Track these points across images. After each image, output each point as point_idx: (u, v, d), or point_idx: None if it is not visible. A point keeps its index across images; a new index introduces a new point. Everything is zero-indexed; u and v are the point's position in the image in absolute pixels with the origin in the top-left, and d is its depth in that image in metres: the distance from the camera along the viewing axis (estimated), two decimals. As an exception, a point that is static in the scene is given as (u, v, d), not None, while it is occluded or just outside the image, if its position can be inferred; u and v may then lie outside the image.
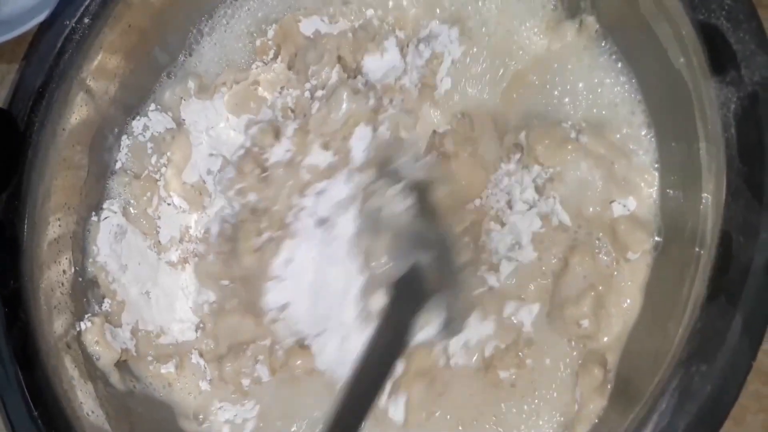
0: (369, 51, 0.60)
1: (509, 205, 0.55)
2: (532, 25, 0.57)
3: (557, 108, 0.55)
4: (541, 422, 0.51)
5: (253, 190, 0.60)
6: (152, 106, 0.64)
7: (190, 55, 0.66)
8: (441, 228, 0.55)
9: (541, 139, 0.54)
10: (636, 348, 0.50)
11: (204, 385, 0.60)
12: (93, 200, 0.61)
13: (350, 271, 0.56)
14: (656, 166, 0.52)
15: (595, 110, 0.54)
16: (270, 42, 0.64)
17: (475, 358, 0.54)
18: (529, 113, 0.56)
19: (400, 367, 0.54)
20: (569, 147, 0.53)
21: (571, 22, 0.56)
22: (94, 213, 0.61)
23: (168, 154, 0.63)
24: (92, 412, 0.53)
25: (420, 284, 0.53)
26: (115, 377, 0.57)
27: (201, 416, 0.59)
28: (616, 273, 0.51)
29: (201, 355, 0.60)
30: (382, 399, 0.54)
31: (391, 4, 0.61)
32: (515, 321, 0.53)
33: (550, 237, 0.53)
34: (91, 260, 0.60)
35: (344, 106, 0.58)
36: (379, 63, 0.60)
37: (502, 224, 0.55)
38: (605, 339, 0.51)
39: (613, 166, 0.52)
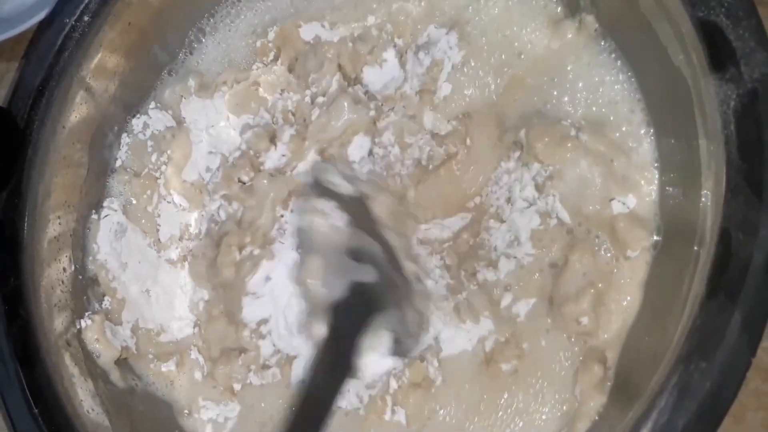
0: (368, 63, 0.60)
1: (509, 202, 0.56)
2: (532, 25, 0.57)
3: (557, 106, 0.55)
4: (541, 420, 0.51)
5: (236, 199, 0.61)
6: (152, 104, 0.64)
7: (192, 53, 0.66)
8: (383, 242, 0.53)
9: (541, 137, 0.54)
10: (636, 345, 0.50)
11: (198, 377, 0.60)
12: (93, 198, 0.61)
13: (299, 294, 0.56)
14: (656, 163, 0.52)
15: (594, 108, 0.54)
16: (270, 44, 0.64)
17: (475, 354, 0.54)
18: (529, 112, 0.56)
19: (393, 383, 0.55)
20: (569, 145, 0.53)
21: (571, 20, 0.56)
22: (94, 211, 0.61)
23: (168, 152, 0.63)
24: (92, 409, 0.53)
25: (362, 305, 0.51)
26: (115, 375, 0.57)
27: (186, 411, 0.59)
28: (615, 270, 0.51)
29: (200, 351, 0.60)
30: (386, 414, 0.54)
31: (394, 6, 0.61)
32: (513, 314, 0.53)
33: (549, 234, 0.53)
34: (91, 258, 0.60)
35: (345, 115, 0.58)
36: (378, 74, 0.60)
37: (502, 222, 0.55)
38: (605, 336, 0.51)
39: (612, 163, 0.52)
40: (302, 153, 0.60)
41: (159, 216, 0.63)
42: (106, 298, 0.59)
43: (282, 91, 0.63)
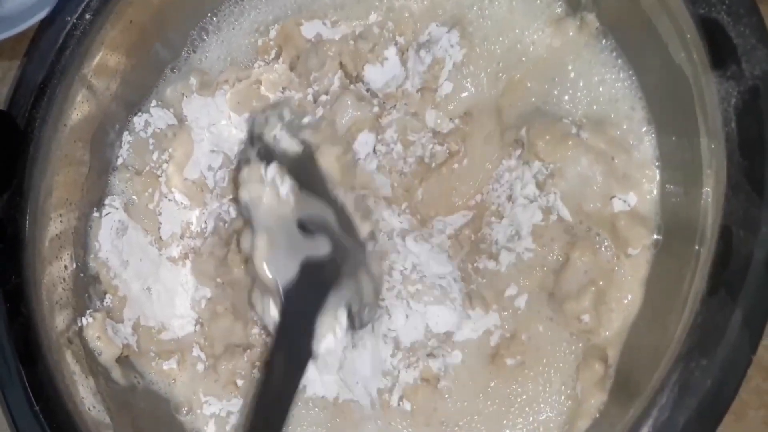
0: (369, 61, 0.60)
1: (510, 200, 0.56)
2: (534, 24, 0.57)
3: (558, 104, 0.56)
4: (541, 419, 0.52)
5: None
6: (154, 103, 0.64)
7: (194, 51, 0.66)
8: (334, 203, 0.50)
9: (542, 134, 0.54)
10: (636, 343, 0.50)
11: (200, 368, 0.60)
12: (94, 196, 0.61)
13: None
14: (656, 161, 0.52)
15: (595, 106, 0.54)
16: (271, 42, 0.64)
17: (480, 346, 0.54)
18: (530, 110, 0.56)
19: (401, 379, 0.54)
20: (570, 143, 0.53)
21: (572, 19, 0.56)
22: (95, 209, 0.61)
23: (169, 150, 0.63)
24: (93, 407, 0.53)
25: (315, 285, 0.47)
26: (116, 373, 0.57)
27: (185, 409, 0.59)
28: (616, 268, 0.51)
29: (201, 349, 0.60)
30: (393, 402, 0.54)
31: (396, 4, 0.61)
32: (515, 306, 0.53)
33: (550, 232, 0.53)
34: (92, 256, 0.60)
35: (349, 112, 0.58)
36: (380, 72, 0.60)
37: (503, 218, 0.55)
38: (606, 334, 0.51)
39: (613, 161, 0.52)
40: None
41: (160, 214, 0.63)
42: (107, 295, 0.59)
43: (283, 89, 0.63)
